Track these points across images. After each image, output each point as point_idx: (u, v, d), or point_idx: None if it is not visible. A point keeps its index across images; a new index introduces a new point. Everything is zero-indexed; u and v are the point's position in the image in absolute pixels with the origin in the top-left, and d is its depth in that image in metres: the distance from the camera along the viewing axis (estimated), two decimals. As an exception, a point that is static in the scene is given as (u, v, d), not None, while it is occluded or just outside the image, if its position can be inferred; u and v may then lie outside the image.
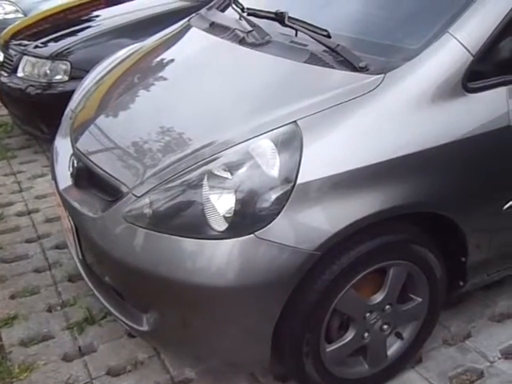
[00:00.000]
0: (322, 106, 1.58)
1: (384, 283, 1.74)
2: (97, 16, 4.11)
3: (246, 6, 2.28)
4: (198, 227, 1.55)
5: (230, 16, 2.30)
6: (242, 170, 1.54)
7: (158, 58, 2.39)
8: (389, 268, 1.72)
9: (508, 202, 1.82)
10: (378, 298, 1.75)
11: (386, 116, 1.58)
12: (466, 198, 1.73)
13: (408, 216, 1.67)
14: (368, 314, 1.75)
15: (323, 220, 1.52)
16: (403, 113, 1.58)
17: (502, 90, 1.69)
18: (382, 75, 1.62)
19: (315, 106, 1.59)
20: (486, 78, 1.68)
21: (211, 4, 2.66)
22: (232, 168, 1.56)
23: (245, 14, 2.21)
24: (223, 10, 2.50)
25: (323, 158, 1.54)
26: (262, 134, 1.57)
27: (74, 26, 3.91)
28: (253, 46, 1.97)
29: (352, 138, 1.56)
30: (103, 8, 4.28)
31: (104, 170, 1.81)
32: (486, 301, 2.29)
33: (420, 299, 1.84)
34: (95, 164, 1.85)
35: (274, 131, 1.56)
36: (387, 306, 1.77)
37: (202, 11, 2.59)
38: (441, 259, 1.81)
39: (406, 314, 1.85)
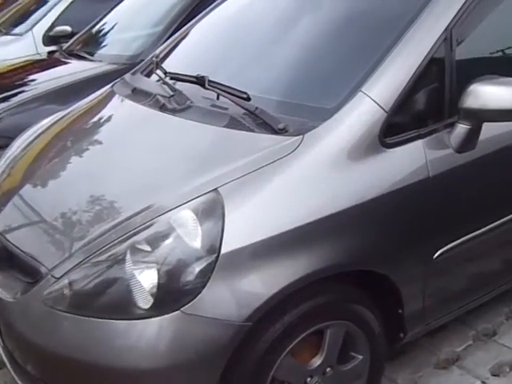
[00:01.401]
0: (243, 172, 1.57)
1: (322, 345, 1.70)
2: (26, 81, 4.04)
3: (169, 69, 2.29)
4: (122, 306, 1.49)
5: (153, 81, 2.29)
6: (164, 243, 1.50)
7: (84, 126, 2.35)
8: (325, 329, 1.68)
9: (438, 250, 1.84)
10: (317, 361, 1.70)
11: (306, 178, 1.58)
12: (394, 252, 1.73)
13: (340, 275, 1.65)
14: (309, 379, 1.70)
15: (251, 289, 1.48)
16: (323, 173, 1.59)
17: (419, 142, 1.73)
18: (301, 136, 1.63)
19: (236, 172, 1.57)
20: (402, 132, 1.71)
21: (136, 68, 2.65)
22: (154, 241, 1.51)
23: (167, 79, 2.20)
24: (148, 75, 2.49)
25: (247, 224, 1.51)
26: (183, 205, 1.53)
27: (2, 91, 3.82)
28: (173, 111, 1.96)
29: (274, 202, 1.54)
30: (35, 72, 4.21)
31: (22, 250, 1.72)
32: (431, 348, 2.28)
33: (361, 357, 1.81)
34: (13, 244, 1.77)
35: (195, 200, 1.53)
36: (328, 369, 1.73)
37: (126, 76, 2.58)
38: (378, 314, 1.79)
39: (348, 373, 1.81)
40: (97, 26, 4.48)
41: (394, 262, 1.73)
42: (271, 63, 2.04)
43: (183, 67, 2.31)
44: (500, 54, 2.00)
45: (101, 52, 4.06)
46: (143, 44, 3.83)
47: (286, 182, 1.56)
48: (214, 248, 1.46)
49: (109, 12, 4.55)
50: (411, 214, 1.74)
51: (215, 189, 1.54)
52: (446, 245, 1.85)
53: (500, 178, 1.93)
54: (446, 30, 1.77)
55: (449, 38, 1.77)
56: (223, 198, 1.52)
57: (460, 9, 1.81)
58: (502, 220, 1.98)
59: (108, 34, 4.32)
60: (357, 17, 2.01)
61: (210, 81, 1.97)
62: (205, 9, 2.75)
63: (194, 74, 2.05)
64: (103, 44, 4.19)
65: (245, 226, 1.51)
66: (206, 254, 1.46)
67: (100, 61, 3.84)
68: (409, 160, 1.71)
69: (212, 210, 1.51)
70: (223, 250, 1.46)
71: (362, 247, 1.64)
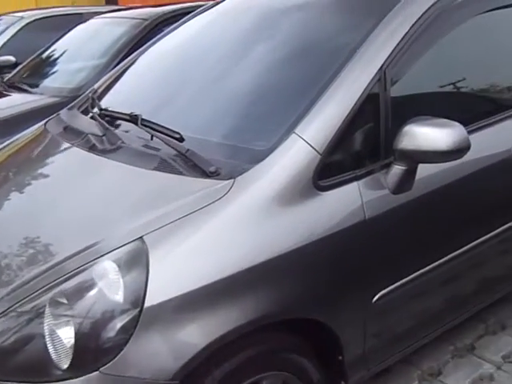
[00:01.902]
0: (171, 218, 1.49)
1: (257, 399, 1.62)
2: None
3: (106, 105, 2.21)
4: (40, 367, 1.37)
5: (87, 118, 2.20)
6: (84, 297, 1.40)
7: (13, 165, 2.23)
8: (260, 382, 1.60)
9: (377, 294, 1.79)
10: (254, 415, 1.61)
11: (237, 224, 1.51)
12: (331, 298, 1.67)
13: (274, 324, 1.58)
14: None
15: (178, 345, 1.40)
16: (255, 219, 1.53)
17: (355, 184, 1.69)
18: (232, 180, 1.57)
19: (163, 219, 1.49)
20: (338, 174, 1.67)
21: (73, 104, 2.56)
22: (73, 294, 1.41)
23: (101, 116, 2.12)
24: (84, 111, 2.40)
25: (173, 275, 1.43)
26: (105, 255, 1.44)
27: None
28: (102, 152, 1.88)
29: (203, 250, 1.47)
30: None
31: None
32: (375, 391, 2.23)
33: (300, 406, 1.73)
34: None
35: (118, 250, 1.44)
36: (266, 422, 1.64)
37: (62, 112, 2.49)
38: (317, 362, 1.72)
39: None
40: (40, 57, 4.38)
41: (331, 309, 1.67)
42: (206, 102, 1.99)
43: (120, 103, 2.24)
44: (434, 94, 2.01)
45: (43, 84, 3.96)
46: (87, 76, 3.76)
47: (216, 229, 1.49)
48: (137, 301, 1.37)
49: (54, 42, 4.46)
50: (348, 258, 1.69)
51: (140, 237, 1.45)
52: (386, 288, 1.81)
53: (436, 219, 1.92)
54: (380, 69, 1.76)
55: (383, 77, 1.76)
56: (148, 246, 1.43)
57: (394, 49, 1.80)
58: (442, 260, 1.96)
59: (51, 66, 4.23)
60: (290, 58, 1.99)
61: (143, 119, 1.90)
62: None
63: (130, 111, 1.98)
64: (46, 76, 4.09)
65: (171, 276, 1.42)
66: (129, 308, 1.37)
67: (41, 93, 3.73)
68: (344, 202, 1.67)
69: (136, 261, 1.42)
70: (147, 304, 1.37)
71: (296, 295, 1.58)
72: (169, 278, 1.42)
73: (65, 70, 4.06)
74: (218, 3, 2.70)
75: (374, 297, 1.78)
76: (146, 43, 2.74)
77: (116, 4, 10.36)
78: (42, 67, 4.24)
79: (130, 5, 6.10)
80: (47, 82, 3.95)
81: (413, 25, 1.87)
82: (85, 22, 4.62)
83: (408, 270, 1.87)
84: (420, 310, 2.04)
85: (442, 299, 2.13)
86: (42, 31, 5.32)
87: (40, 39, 4.78)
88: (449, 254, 1.99)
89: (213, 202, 1.52)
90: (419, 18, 1.89)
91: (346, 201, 1.67)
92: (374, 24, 1.87)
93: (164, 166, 1.71)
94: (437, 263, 1.95)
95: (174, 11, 4.08)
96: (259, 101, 1.89)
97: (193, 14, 2.70)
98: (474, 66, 2.12)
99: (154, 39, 2.70)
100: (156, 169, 1.70)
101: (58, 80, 3.91)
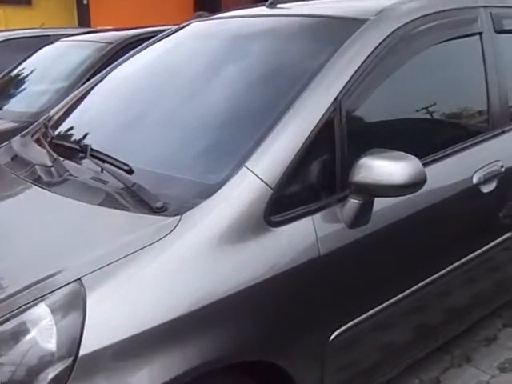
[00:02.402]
0: (112, 258, 1.41)
1: None
2: None
3: (60, 133, 2.13)
4: None
5: (36, 147, 2.12)
6: (16, 344, 1.30)
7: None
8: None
9: (334, 332, 1.73)
10: None
11: (182, 264, 1.43)
12: (285, 338, 1.60)
13: (226, 367, 1.50)
14: None
15: (117, 394, 1.30)
16: (203, 258, 1.45)
17: (309, 219, 1.63)
18: (179, 217, 1.49)
19: (104, 258, 1.41)
20: (290, 209, 1.61)
21: (26, 131, 2.48)
22: (5, 341, 1.31)
23: (51, 146, 2.04)
24: (37, 139, 2.31)
25: (112, 320, 1.34)
26: (39, 298, 1.35)
27: None
28: (48, 185, 1.79)
29: (146, 293, 1.39)
30: None
31: None
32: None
33: None
34: None
35: (54, 293, 1.35)
36: None
37: (14, 140, 2.39)
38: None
39: None
40: (2, 80, 4.28)
41: (284, 349, 1.60)
42: (158, 133, 1.93)
43: (75, 131, 2.17)
44: (390, 125, 1.97)
45: (4, 108, 3.84)
46: (48, 100, 3.66)
47: (160, 269, 1.41)
48: (71, 349, 1.28)
49: (17, 65, 4.37)
50: (302, 296, 1.63)
51: (78, 279, 1.37)
52: (343, 325, 1.74)
53: (395, 252, 1.87)
54: (335, 100, 1.71)
55: (338, 108, 1.71)
56: (86, 289, 1.35)
57: (350, 79, 1.76)
58: (402, 294, 1.90)
59: (13, 89, 4.13)
60: (245, 87, 1.95)
61: (93, 150, 1.82)
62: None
63: (83, 140, 1.90)
64: (7, 99, 3.97)
65: (110, 321, 1.34)
66: (62, 357, 1.28)
67: (0, 118, 3.63)
68: (297, 238, 1.60)
69: (72, 305, 1.33)
70: (83, 351, 1.29)
71: (246, 337, 1.50)
72: (108, 323, 1.33)
73: (26, 94, 3.97)
74: (179, 29, 2.66)
75: (331, 335, 1.71)
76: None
77: (89, 26, 10.30)
78: (3, 90, 4.14)
79: (101, 28, 6.02)
80: (8, 106, 3.84)
81: (369, 54, 1.84)
82: (50, 44, 4.54)
83: (366, 305, 1.82)
84: (380, 345, 1.98)
85: (403, 333, 2.08)
86: (9, 53, 5.22)
87: (7, 61, 4.68)
88: (409, 288, 1.94)
89: (157, 241, 1.44)
90: (376, 48, 1.86)
91: (300, 236, 1.61)
92: (331, 53, 1.83)
93: (110, 200, 1.63)
94: (397, 297, 1.90)
95: (139, 35, 4.03)
96: (211, 132, 1.83)
97: (152, 40, 2.65)
98: (431, 96, 2.10)
99: (112, 65, 2.64)
100: (101, 204, 1.62)
101: (19, 104, 3.81)
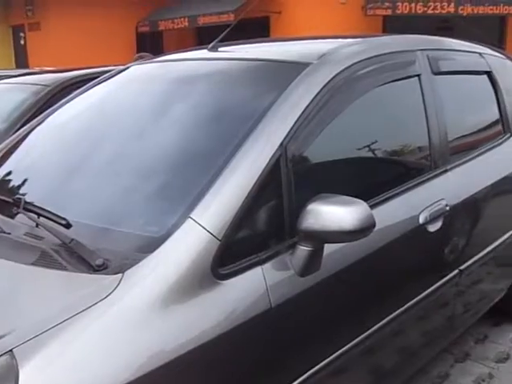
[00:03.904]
0: (48, 325, 1.29)
1: None
2: None
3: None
4: None
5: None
6: None
7: None
8: None
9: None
10: None
11: (125, 327, 1.33)
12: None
13: None
14: None
15: None
16: (147, 320, 1.36)
17: (258, 269, 1.57)
18: (120, 275, 1.40)
19: (38, 326, 1.29)
20: (239, 259, 1.55)
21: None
22: None
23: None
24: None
25: None
26: None
27: None
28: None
29: (87, 360, 1.27)
30: None
31: None
32: None
33: None
34: None
35: None
36: None
37: None
38: None
39: None
40: None
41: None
42: (98, 183, 1.83)
43: (8, 183, 2.04)
44: (337, 168, 1.96)
45: None
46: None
47: (100, 334, 1.31)
48: None
49: None
50: (255, 350, 1.55)
51: (9, 350, 1.24)
52: (299, 376, 1.68)
53: (346, 298, 1.83)
54: (281, 145, 1.68)
55: (284, 153, 1.68)
56: (19, 361, 1.23)
57: (295, 123, 1.74)
58: (355, 340, 1.86)
59: None
60: (188, 133, 1.89)
61: (26, 203, 1.71)
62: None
63: (17, 193, 1.78)
64: None
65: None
66: None
67: None
68: (247, 290, 1.54)
69: (3, 380, 1.21)
70: (14, 432, 1.16)
71: None
72: None
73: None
74: (119, 72, 2.59)
75: (287, 389, 1.64)
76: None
77: (27, 67, 10.08)
78: None
79: (39, 69, 5.86)
80: None
81: (313, 98, 1.83)
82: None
83: (321, 353, 1.76)
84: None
85: (361, 377, 2.03)
86: None
87: None
88: (363, 332, 1.90)
89: (97, 303, 1.34)
90: (319, 91, 1.85)
91: (249, 288, 1.54)
92: (275, 97, 1.81)
93: (45, 259, 1.51)
94: (352, 342, 1.85)
95: (78, 77, 3.92)
96: (153, 181, 1.75)
97: (92, 83, 2.57)
98: (375, 138, 2.11)
99: (49, 109, 2.53)
100: (35, 263, 1.51)
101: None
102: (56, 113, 2.44)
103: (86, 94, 2.46)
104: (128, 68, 2.60)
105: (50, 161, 2.07)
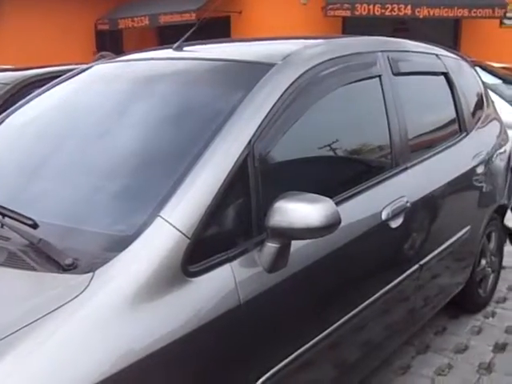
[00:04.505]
0: (16, 326, 1.28)
1: None
2: None
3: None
4: None
5: None
6: None
7: None
8: None
9: (260, 379, 1.68)
10: None
11: (97, 326, 1.33)
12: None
13: None
14: None
15: None
16: (118, 318, 1.36)
17: (227, 266, 1.60)
18: (91, 274, 1.40)
19: (7, 328, 1.28)
20: (209, 257, 1.57)
21: None
22: None
23: None
24: None
25: None
26: None
27: None
28: None
29: (57, 361, 1.27)
30: None
31: None
32: None
33: None
34: None
35: None
36: None
37: None
38: None
39: None
40: None
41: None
42: (64, 182, 1.82)
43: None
44: (303, 166, 2.01)
45: None
46: None
47: (71, 334, 1.30)
48: None
49: None
50: (226, 346, 1.58)
51: None
52: (268, 371, 1.71)
53: (315, 291, 1.88)
54: (248, 144, 1.71)
55: (251, 152, 1.71)
56: None
57: (262, 122, 1.77)
58: (321, 335, 1.90)
59: None
60: (156, 132, 1.90)
61: (-9, 203, 1.68)
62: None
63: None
64: None
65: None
66: None
67: None
68: (217, 287, 1.56)
69: None
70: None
71: None
72: None
73: None
74: (82, 71, 2.57)
75: (257, 382, 1.67)
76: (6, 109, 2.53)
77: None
78: None
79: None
80: None
81: (279, 97, 1.86)
82: None
83: (289, 348, 1.80)
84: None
85: (327, 371, 2.08)
86: None
87: None
88: (329, 326, 1.95)
89: (67, 302, 1.34)
90: (285, 91, 1.89)
91: (219, 285, 1.57)
92: (242, 96, 1.84)
93: (12, 260, 1.50)
94: (318, 337, 1.90)
95: (38, 75, 3.85)
96: (122, 180, 1.75)
97: (55, 82, 2.54)
98: (338, 137, 2.17)
99: (10, 109, 2.49)
100: (2, 264, 1.49)
101: None
102: (18, 112, 2.40)
103: (48, 93, 2.44)
104: (91, 67, 2.58)
105: (13, 161, 2.04)
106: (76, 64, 4.51)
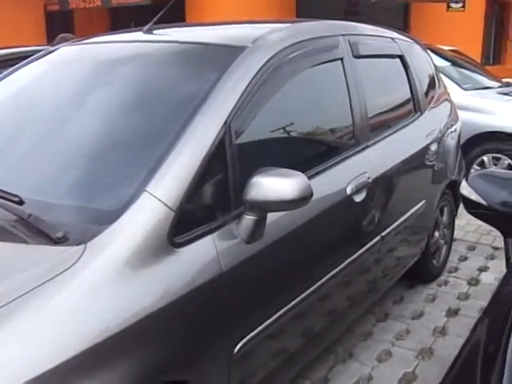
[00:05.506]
0: (13, 295, 1.35)
1: None
2: None
3: None
4: None
5: None
6: None
7: None
8: None
9: (238, 344, 1.81)
10: None
11: (91, 294, 1.42)
12: (195, 355, 1.65)
13: None
14: None
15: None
16: (110, 286, 1.46)
17: (209, 238, 1.70)
18: (83, 246, 1.48)
19: (6, 295, 1.35)
20: (192, 229, 1.67)
21: None
22: None
23: None
24: None
25: (20, 360, 1.29)
26: None
27: None
28: None
29: (55, 326, 1.36)
30: None
31: None
32: None
33: None
34: None
35: None
36: None
37: None
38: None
39: None
40: None
41: (195, 366, 1.65)
42: (49, 159, 1.88)
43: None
44: (276, 144, 2.13)
45: None
46: None
47: (68, 301, 1.39)
48: None
49: None
50: (208, 312, 1.69)
51: None
52: (244, 337, 1.83)
53: (287, 262, 2.01)
54: (225, 123, 1.81)
55: (228, 131, 1.81)
56: None
57: (236, 102, 1.87)
58: (292, 303, 2.04)
59: None
60: (137, 112, 1.97)
61: (-26, 183, 1.73)
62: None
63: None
64: None
65: (21, 359, 1.29)
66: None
67: None
68: (200, 257, 1.67)
69: None
70: (-5, 394, 1.23)
71: (160, 358, 1.53)
72: (14, 365, 1.28)
73: None
74: (49, 52, 2.59)
75: (235, 347, 1.79)
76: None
77: None
78: None
79: None
80: None
81: (251, 79, 1.96)
82: None
83: (263, 315, 1.92)
84: (278, 352, 2.10)
85: (297, 337, 2.22)
86: None
87: None
88: (299, 295, 2.08)
89: (62, 272, 1.42)
90: (257, 73, 1.99)
91: (202, 254, 1.67)
92: (217, 78, 1.93)
93: (3, 234, 1.56)
94: (289, 305, 2.03)
95: (4, 55, 3.82)
96: (108, 158, 1.83)
97: (29, 59, 2.56)
98: (310, 116, 2.29)
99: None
100: None
101: None
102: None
103: (20, 72, 2.46)
104: (57, 50, 2.60)
105: None
106: (34, 46, 4.47)
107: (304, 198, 1.76)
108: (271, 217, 1.84)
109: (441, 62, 5.78)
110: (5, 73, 2.58)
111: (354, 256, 2.43)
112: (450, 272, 3.74)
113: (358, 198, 2.38)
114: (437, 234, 3.52)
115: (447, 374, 1.20)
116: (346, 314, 2.62)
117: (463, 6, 12.07)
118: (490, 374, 1.09)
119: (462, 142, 3.97)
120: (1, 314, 1.32)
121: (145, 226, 1.55)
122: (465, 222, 4.49)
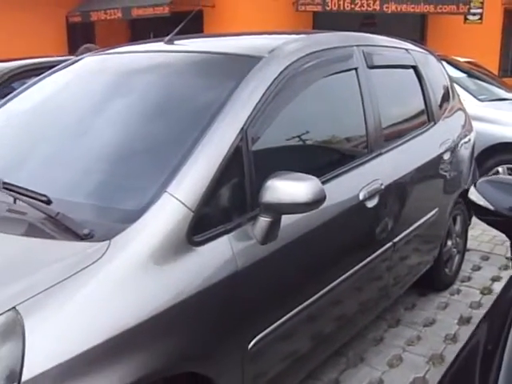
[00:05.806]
0: (45, 285, 1.45)
1: None
2: None
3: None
4: None
5: None
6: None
7: None
8: None
9: (252, 340, 1.88)
10: None
11: (115, 286, 1.52)
12: (211, 350, 1.73)
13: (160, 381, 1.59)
14: None
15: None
16: (133, 280, 1.55)
17: (225, 238, 1.78)
18: (107, 242, 1.58)
19: (37, 286, 1.45)
20: (210, 228, 1.75)
21: None
22: None
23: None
24: None
25: (53, 343, 1.39)
26: None
27: None
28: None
29: (82, 316, 1.45)
30: None
31: None
32: None
33: None
34: None
35: None
36: None
37: None
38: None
39: None
40: None
41: (211, 360, 1.73)
42: (75, 162, 1.99)
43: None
44: (291, 149, 2.21)
45: None
46: None
47: (94, 292, 1.49)
48: (13, 376, 1.31)
49: None
50: (224, 308, 1.77)
51: (13, 307, 1.40)
52: (259, 333, 1.90)
53: (300, 263, 2.08)
54: (241, 129, 1.90)
55: (245, 137, 1.90)
56: (23, 316, 1.38)
57: (253, 110, 1.96)
58: (305, 303, 2.10)
59: None
60: (159, 118, 2.07)
61: (5, 183, 1.83)
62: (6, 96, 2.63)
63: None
64: None
65: (51, 345, 1.38)
66: (5, 384, 1.30)
67: None
68: (217, 256, 1.75)
69: (10, 332, 1.36)
70: (25, 377, 1.32)
71: (179, 351, 1.61)
72: (48, 348, 1.37)
73: None
74: (74, 62, 2.70)
75: (249, 343, 1.87)
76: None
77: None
78: None
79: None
80: None
81: (268, 88, 2.05)
82: None
83: (278, 313, 1.99)
84: (291, 351, 2.16)
85: (309, 338, 2.28)
86: None
87: None
88: (311, 296, 2.15)
89: (88, 266, 1.51)
90: (273, 82, 2.08)
91: (219, 253, 1.76)
92: (234, 86, 2.02)
93: (33, 230, 1.66)
94: (302, 305, 2.10)
95: (24, 66, 3.97)
96: (131, 160, 1.93)
97: (56, 68, 2.68)
98: (323, 123, 2.38)
99: (8, 97, 2.62)
100: (24, 234, 1.66)
101: None
102: (16, 99, 2.53)
103: (44, 82, 2.57)
104: (81, 59, 2.71)
105: (24, 144, 2.19)
106: (58, 56, 4.61)
107: (317, 201, 1.84)
108: (285, 220, 1.91)
109: (456, 74, 5.82)
110: (33, 81, 2.70)
111: (366, 261, 2.49)
112: (462, 281, 3.77)
113: (371, 204, 2.44)
114: (449, 242, 3.56)
115: (446, 372, 1.23)
116: (356, 318, 2.66)
117: (480, 18, 12.10)
118: (487, 373, 1.11)
119: (476, 152, 4.00)
120: (31, 303, 1.41)
121: (165, 225, 1.64)
122: (479, 232, 4.51)
